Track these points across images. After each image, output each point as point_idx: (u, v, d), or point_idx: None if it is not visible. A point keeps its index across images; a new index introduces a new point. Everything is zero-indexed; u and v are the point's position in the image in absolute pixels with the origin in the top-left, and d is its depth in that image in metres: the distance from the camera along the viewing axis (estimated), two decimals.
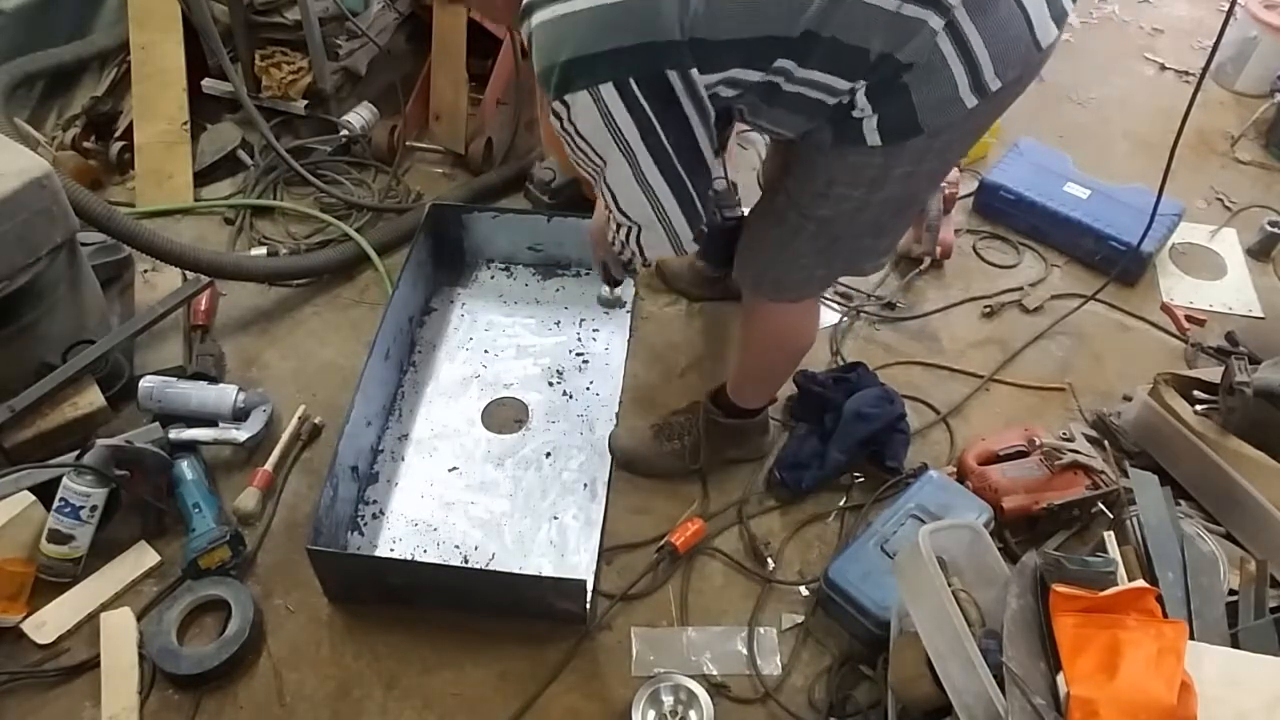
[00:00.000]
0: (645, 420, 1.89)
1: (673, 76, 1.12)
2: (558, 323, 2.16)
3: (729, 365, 1.78)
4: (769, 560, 1.72)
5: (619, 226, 1.34)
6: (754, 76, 1.18)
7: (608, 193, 1.28)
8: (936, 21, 1.13)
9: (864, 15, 1.12)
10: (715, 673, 1.59)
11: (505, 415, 1.98)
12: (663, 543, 1.72)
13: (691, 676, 1.55)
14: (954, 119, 1.20)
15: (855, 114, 1.21)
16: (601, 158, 1.20)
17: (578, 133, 1.18)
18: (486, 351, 2.10)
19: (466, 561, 1.73)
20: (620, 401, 1.99)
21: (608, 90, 1.11)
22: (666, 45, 1.10)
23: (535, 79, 1.18)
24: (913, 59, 1.14)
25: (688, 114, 1.16)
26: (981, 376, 2.07)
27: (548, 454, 1.90)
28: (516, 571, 1.69)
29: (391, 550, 1.74)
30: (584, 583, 1.56)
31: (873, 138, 1.22)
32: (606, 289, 1.86)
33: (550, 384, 2.03)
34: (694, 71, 1.12)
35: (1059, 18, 1.22)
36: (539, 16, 1.12)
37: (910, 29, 1.13)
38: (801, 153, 1.34)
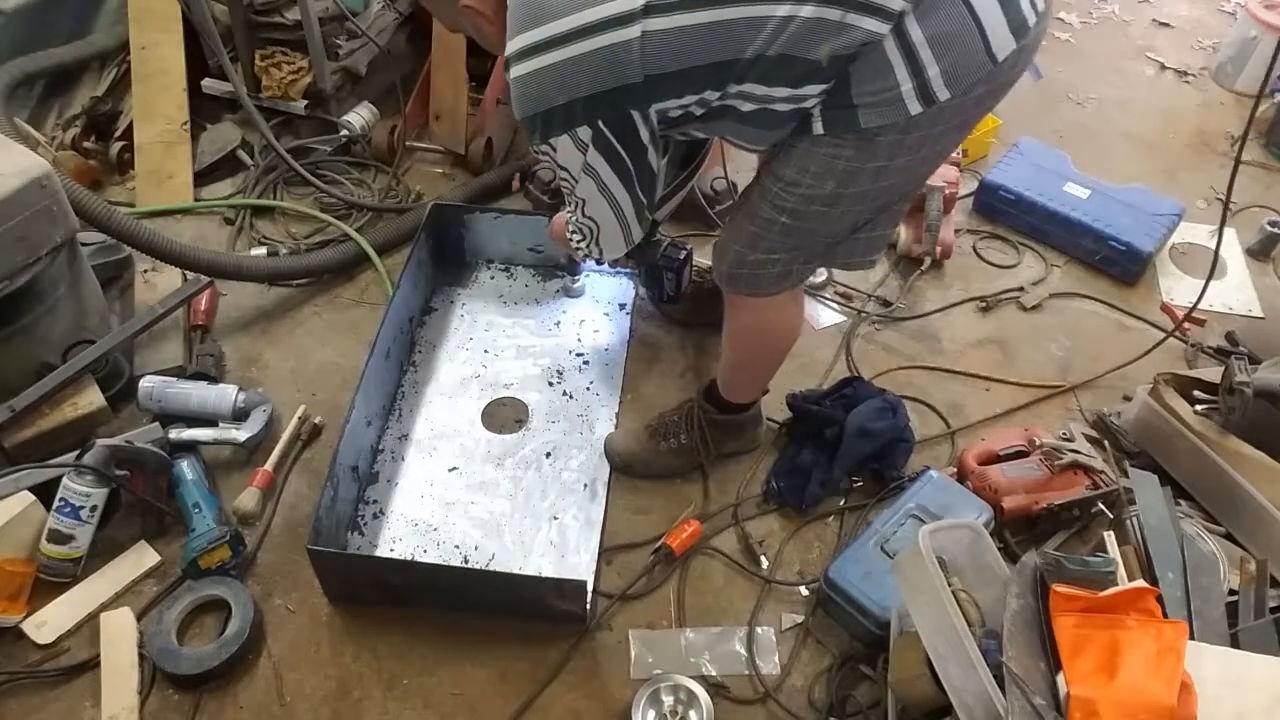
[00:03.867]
0: (640, 421, 1.89)
1: (635, 115, 1.27)
2: (558, 323, 2.16)
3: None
4: (762, 558, 1.72)
5: (581, 228, 1.51)
6: (713, 96, 1.27)
7: (578, 203, 1.44)
8: (882, 28, 1.19)
9: (812, 30, 1.18)
10: (714, 673, 1.59)
11: (505, 415, 1.98)
12: (658, 545, 1.71)
13: (691, 677, 1.55)
14: (896, 120, 1.25)
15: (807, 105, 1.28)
16: (576, 179, 1.37)
17: (559, 164, 1.36)
18: (486, 351, 2.10)
19: (466, 562, 1.73)
20: (620, 401, 1.99)
21: (583, 131, 1.28)
22: (628, 88, 1.23)
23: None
24: (855, 52, 1.21)
25: (645, 143, 1.32)
26: (981, 377, 2.07)
27: (548, 454, 1.90)
28: (516, 572, 1.69)
29: (392, 550, 1.74)
30: (584, 583, 1.56)
31: (817, 126, 1.29)
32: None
33: (550, 384, 2.03)
34: (652, 107, 1.27)
35: (1018, 28, 1.24)
36: (515, 71, 1.26)
37: (855, 36, 1.19)
38: (775, 146, 1.40)
